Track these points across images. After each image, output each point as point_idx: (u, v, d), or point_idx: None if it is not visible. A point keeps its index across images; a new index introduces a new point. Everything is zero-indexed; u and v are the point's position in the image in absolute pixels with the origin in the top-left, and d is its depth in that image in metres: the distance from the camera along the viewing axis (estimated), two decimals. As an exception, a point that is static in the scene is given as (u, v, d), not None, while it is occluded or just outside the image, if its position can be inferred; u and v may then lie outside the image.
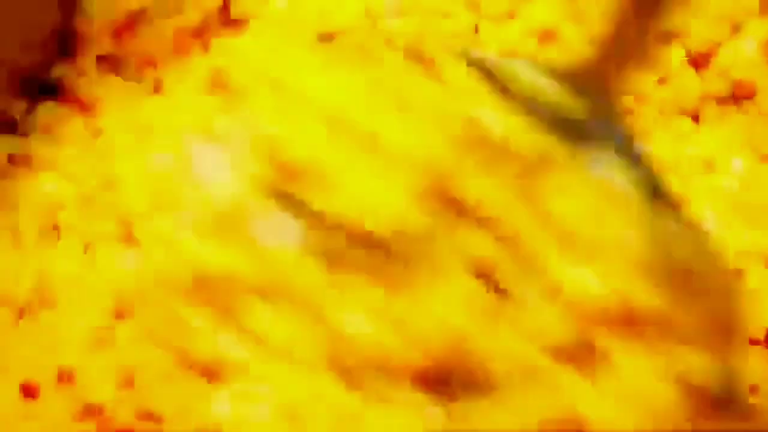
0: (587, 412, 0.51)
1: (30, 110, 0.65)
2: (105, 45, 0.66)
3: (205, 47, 0.67)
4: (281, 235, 0.52)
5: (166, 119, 0.65)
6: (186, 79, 0.66)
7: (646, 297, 0.52)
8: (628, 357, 0.52)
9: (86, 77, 0.65)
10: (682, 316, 0.53)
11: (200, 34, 0.67)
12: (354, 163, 0.52)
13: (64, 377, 0.58)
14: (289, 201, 0.52)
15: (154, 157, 0.60)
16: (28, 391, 0.58)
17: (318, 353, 0.51)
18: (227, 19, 0.68)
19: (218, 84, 0.66)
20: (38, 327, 0.59)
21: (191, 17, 0.67)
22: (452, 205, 0.52)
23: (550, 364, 0.52)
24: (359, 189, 0.52)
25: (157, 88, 0.67)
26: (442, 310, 0.51)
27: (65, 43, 0.66)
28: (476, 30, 0.68)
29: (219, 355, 0.52)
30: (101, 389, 0.57)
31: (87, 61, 0.66)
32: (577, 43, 0.67)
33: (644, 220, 0.53)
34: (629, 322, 0.52)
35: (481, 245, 0.52)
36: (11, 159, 0.63)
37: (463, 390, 0.51)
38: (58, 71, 0.65)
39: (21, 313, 0.60)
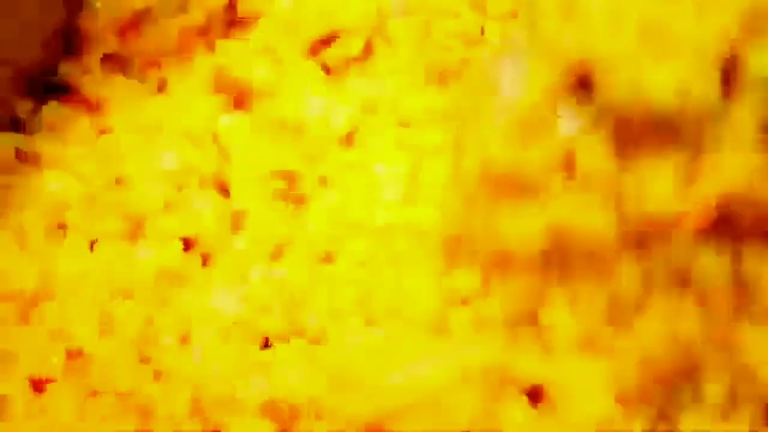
0: None
1: (36, 109, 0.65)
2: (110, 44, 0.66)
3: (210, 47, 0.67)
4: (576, 127, 0.57)
5: (171, 119, 0.65)
6: (190, 79, 0.67)
7: None
8: None
9: (91, 76, 0.66)
10: None
11: (205, 33, 0.68)
12: (641, 53, 0.56)
13: (73, 359, 0.58)
14: (582, 96, 0.57)
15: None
16: (37, 385, 0.58)
17: (610, 230, 0.57)
18: (232, 19, 0.68)
19: (222, 84, 0.66)
20: (44, 322, 0.59)
21: (196, 17, 0.67)
22: (734, 74, 0.56)
23: None
24: (648, 76, 0.55)
25: (161, 88, 0.67)
26: (727, 170, 0.56)
27: (70, 42, 0.66)
28: (482, 31, 0.68)
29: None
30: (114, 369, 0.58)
31: (92, 60, 0.66)
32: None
33: None
34: None
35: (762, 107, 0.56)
36: (18, 158, 0.63)
37: (748, 237, 0.57)
38: (64, 70, 0.66)
39: (26, 310, 0.60)
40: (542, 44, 0.58)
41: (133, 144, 0.64)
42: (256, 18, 0.68)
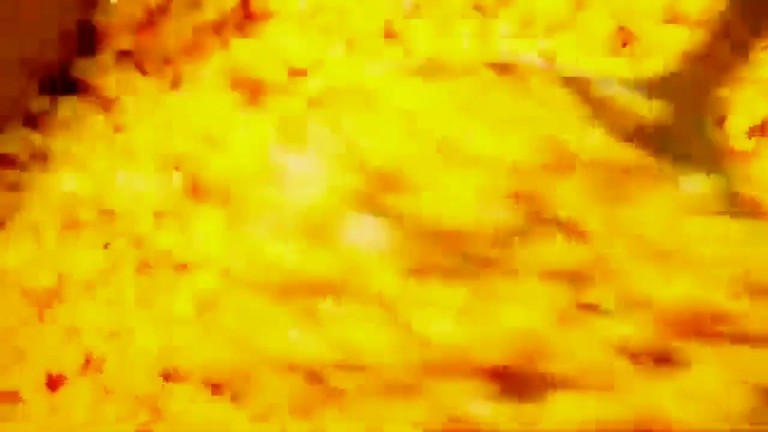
0: (666, 411, 0.53)
1: (51, 107, 0.65)
2: (125, 41, 0.66)
3: (224, 44, 0.67)
4: (367, 238, 0.55)
5: (186, 116, 0.65)
6: (204, 76, 0.67)
7: (723, 303, 0.54)
8: (703, 360, 0.54)
9: (106, 73, 0.65)
10: (755, 318, 0.55)
11: (219, 30, 0.68)
12: (439, 169, 0.54)
13: (90, 363, 0.59)
14: (376, 207, 0.55)
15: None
16: (52, 383, 0.58)
17: (394, 356, 0.54)
18: (247, 15, 0.68)
19: (237, 81, 0.67)
20: (59, 320, 0.59)
21: (210, 14, 0.67)
22: (535, 210, 0.55)
23: (626, 368, 0.54)
24: (444, 193, 0.54)
25: (176, 84, 0.67)
26: (520, 312, 0.54)
27: (85, 39, 0.66)
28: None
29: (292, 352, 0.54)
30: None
31: (107, 57, 0.66)
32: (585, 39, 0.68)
33: (721, 229, 0.55)
34: (707, 327, 0.54)
35: (562, 252, 0.54)
36: (32, 155, 0.63)
37: (534, 389, 0.54)
38: (79, 67, 0.66)
39: (41, 308, 0.60)
40: (341, 145, 0.56)
41: (148, 141, 0.64)
42: (270, 15, 0.68)
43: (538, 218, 0.55)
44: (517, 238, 0.54)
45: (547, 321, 0.54)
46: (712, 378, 0.54)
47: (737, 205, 0.57)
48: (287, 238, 0.55)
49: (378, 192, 0.55)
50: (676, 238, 0.56)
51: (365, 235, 0.55)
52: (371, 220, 0.55)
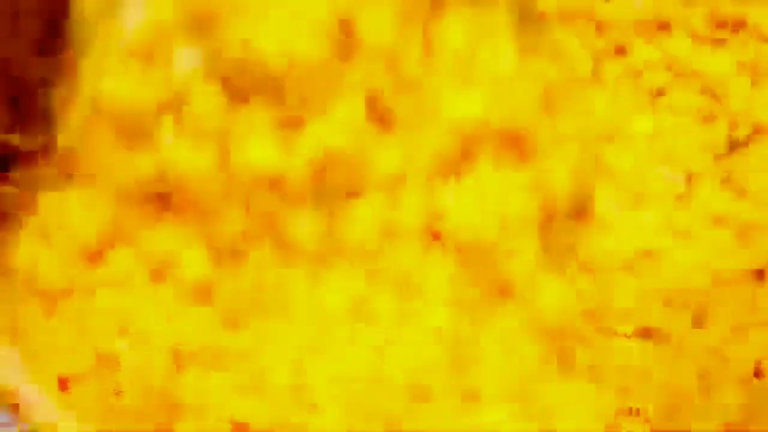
0: (446, 208, 0.59)
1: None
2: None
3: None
4: (188, 62, 0.58)
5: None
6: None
7: (516, 115, 0.59)
8: (495, 168, 0.59)
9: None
10: (548, 130, 0.60)
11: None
12: (250, 5, 0.57)
13: (102, 362, 0.59)
14: (196, 34, 0.57)
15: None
16: (66, 383, 0.59)
17: (214, 177, 0.58)
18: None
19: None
20: (71, 319, 0.60)
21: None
22: (349, 40, 0.58)
23: (424, 173, 0.59)
24: (262, 25, 0.56)
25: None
26: (330, 132, 0.58)
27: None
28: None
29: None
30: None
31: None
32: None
33: (513, 42, 0.60)
34: (502, 139, 0.59)
35: (372, 75, 0.58)
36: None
37: (342, 197, 0.59)
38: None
39: (53, 307, 0.60)
40: None
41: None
42: None
43: (351, 47, 0.58)
44: (330, 65, 0.57)
45: (352, 138, 0.58)
46: (501, 184, 0.59)
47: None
48: (118, 68, 0.58)
49: (198, 22, 0.57)
50: (472, 56, 0.60)
51: (188, 66, 0.58)
52: (191, 47, 0.58)
